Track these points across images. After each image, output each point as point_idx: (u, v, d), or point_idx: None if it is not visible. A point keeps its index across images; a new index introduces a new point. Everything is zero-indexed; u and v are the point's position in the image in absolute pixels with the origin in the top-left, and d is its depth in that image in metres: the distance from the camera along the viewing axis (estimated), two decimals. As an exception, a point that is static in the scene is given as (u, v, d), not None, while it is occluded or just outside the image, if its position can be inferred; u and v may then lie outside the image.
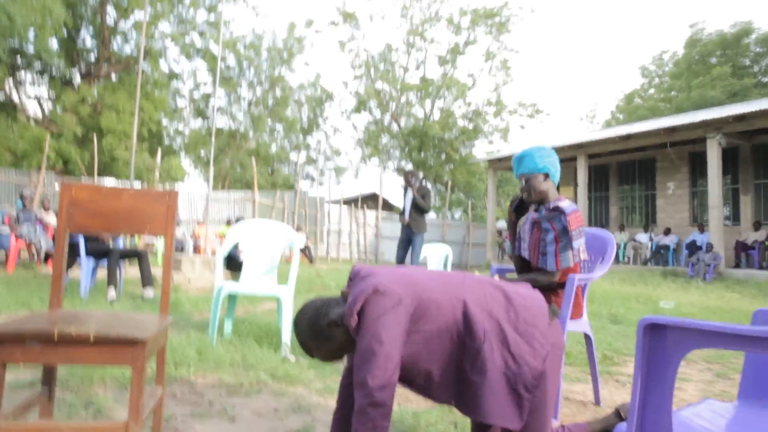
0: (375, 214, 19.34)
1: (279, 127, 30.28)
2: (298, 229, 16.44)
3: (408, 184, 7.39)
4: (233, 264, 7.99)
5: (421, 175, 27.46)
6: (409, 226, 7.28)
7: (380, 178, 19.13)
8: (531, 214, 2.59)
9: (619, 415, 1.99)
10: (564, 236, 2.39)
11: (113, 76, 22.10)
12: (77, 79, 21.43)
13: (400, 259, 7.46)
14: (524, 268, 2.65)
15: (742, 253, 12.47)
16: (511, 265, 2.90)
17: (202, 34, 23.95)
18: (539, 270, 2.48)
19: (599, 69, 71.72)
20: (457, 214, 36.90)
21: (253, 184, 17.48)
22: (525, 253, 2.58)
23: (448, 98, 28.78)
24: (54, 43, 19.17)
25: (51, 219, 9.26)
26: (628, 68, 73.44)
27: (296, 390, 2.69)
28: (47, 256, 8.25)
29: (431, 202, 7.47)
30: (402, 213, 7.48)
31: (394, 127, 29.31)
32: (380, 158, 30.68)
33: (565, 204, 2.43)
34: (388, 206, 28.55)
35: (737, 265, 12.47)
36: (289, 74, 29.15)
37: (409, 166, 29.86)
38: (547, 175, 2.51)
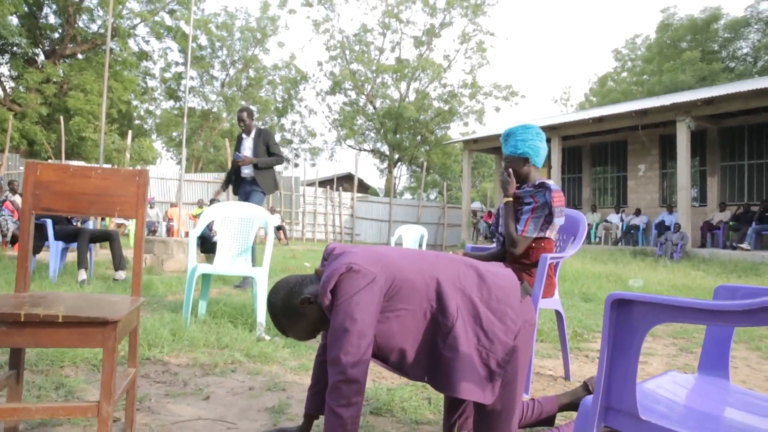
0: (350, 195, 19.30)
1: (253, 108, 29.83)
2: (272, 211, 16.33)
3: (244, 127, 5.62)
4: (207, 246, 7.92)
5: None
6: (253, 181, 5.57)
7: (356, 160, 19.05)
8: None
9: (587, 388, 2.05)
10: (541, 210, 2.43)
11: (80, 56, 21.40)
12: (41, 57, 20.69)
13: None
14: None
15: (708, 233, 12.84)
16: (485, 246, 2.94)
17: (172, 12, 23.32)
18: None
19: (573, 52, 72.36)
20: (433, 195, 37.12)
21: (227, 166, 17.28)
22: (501, 229, 2.62)
23: (423, 80, 28.73)
24: (14, 20, 18.43)
25: (19, 202, 8.98)
26: (602, 51, 74.26)
27: (271, 369, 2.69)
28: (14, 240, 8.02)
29: (279, 149, 5.67)
30: (234, 166, 5.69)
31: (370, 108, 29.17)
32: (355, 139, 30.56)
33: (551, 182, 2.48)
34: (363, 187, 28.51)
35: (703, 245, 12.83)
36: (263, 55, 28.62)
37: (385, 148, 29.83)
38: (526, 160, 2.53)
